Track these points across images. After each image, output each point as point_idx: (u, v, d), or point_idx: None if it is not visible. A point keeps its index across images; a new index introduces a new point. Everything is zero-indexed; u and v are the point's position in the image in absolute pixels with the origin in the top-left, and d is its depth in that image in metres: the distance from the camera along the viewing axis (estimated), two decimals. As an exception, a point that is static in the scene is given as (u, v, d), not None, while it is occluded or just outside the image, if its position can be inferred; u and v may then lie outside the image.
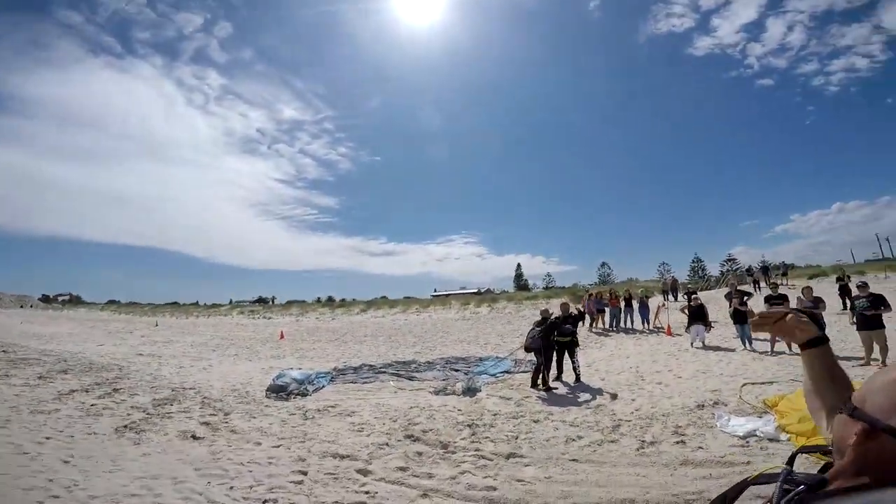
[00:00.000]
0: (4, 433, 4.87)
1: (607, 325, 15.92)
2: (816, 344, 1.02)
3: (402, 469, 4.36)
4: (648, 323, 15.60)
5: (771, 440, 4.38)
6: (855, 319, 7.89)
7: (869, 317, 7.52)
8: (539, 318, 8.60)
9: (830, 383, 0.98)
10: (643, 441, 4.75)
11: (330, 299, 59.47)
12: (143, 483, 3.92)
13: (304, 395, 7.91)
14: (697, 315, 11.16)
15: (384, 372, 10.05)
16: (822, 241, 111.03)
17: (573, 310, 9.32)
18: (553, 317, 8.50)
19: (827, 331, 8.79)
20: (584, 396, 7.11)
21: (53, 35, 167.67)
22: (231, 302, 55.72)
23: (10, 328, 24.08)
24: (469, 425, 5.75)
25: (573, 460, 4.31)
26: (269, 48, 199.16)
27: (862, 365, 7.35)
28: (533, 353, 8.23)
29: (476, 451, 4.79)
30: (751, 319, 1.28)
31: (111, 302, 64.13)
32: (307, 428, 5.88)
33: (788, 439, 4.31)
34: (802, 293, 9.20)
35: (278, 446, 5.14)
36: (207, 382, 9.29)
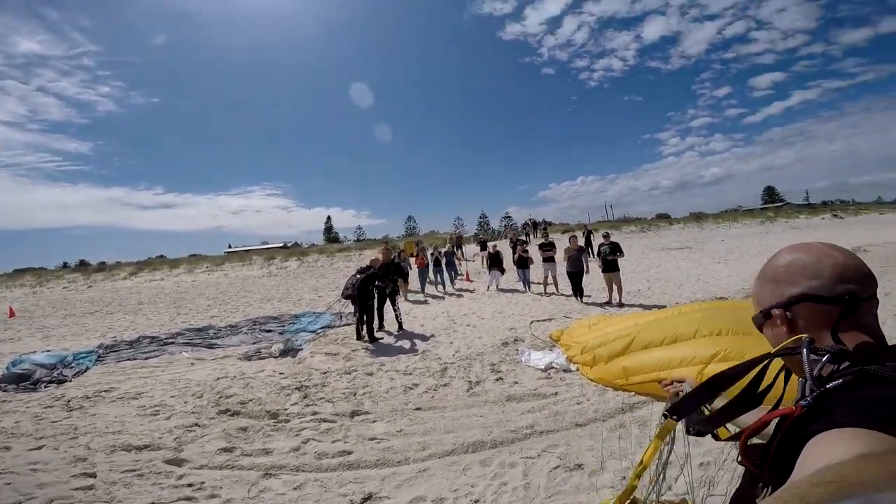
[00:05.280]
0: None
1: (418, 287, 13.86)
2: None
3: (227, 450, 3.79)
4: (454, 281, 14.69)
5: (566, 371, 5.38)
6: (601, 263, 10.06)
7: (610, 260, 9.64)
8: (366, 265, 8.42)
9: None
10: (470, 382, 5.25)
11: (83, 263, 46.66)
12: None
13: (60, 381, 6.15)
14: (495, 261, 12.80)
15: (172, 343, 8.52)
16: (569, 205, 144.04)
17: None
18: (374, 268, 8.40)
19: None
20: (409, 344, 7.45)
21: None
22: (-79, 274, 38.17)
23: None
24: (298, 388, 5.37)
25: (417, 409, 4.48)
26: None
27: (606, 304, 9.66)
28: (351, 302, 8.08)
29: (314, 414, 4.51)
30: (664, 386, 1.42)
31: None
32: (76, 421, 4.67)
33: (577, 369, 5.39)
34: (570, 242, 10.93)
35: (39, 448, 3.96)
36: None
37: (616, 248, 9.79)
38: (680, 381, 1.35)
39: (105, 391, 5.62)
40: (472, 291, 12.79)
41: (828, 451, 0.54)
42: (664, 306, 8.50)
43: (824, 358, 0.70)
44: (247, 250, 45.59)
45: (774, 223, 35.63)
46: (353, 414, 4.45)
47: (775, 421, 0.71)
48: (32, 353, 7.31)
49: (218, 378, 6.00)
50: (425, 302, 11.79)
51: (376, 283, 8.11)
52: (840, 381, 0.65)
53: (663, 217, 52.55)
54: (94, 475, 3.39)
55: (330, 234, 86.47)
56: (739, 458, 0.79)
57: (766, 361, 0.79)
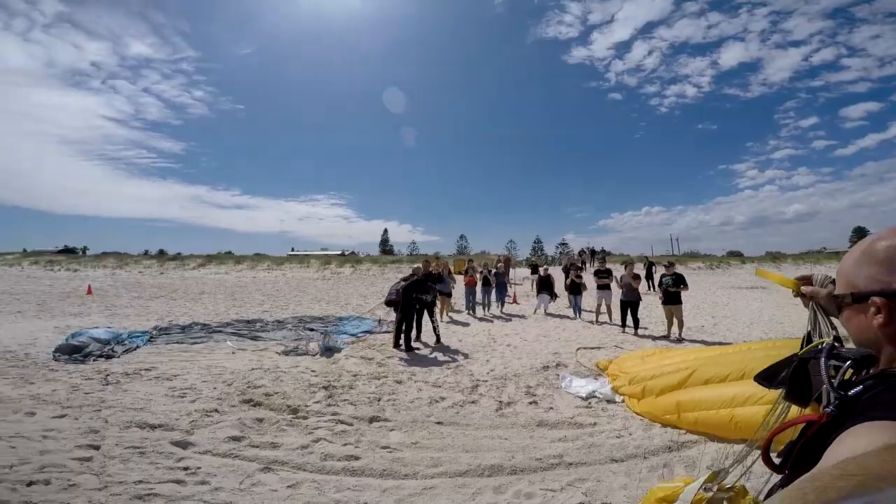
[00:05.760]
0: None
1: (464, 308, 13.07)
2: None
3: (236, 439, 3.72)
4: (502, 305, 13.47)
5: (609, 401, 4.85)
6: (661, 295, 9.31)
7: (672, 292, 8.87)
8: (410, 273, 8.39)
9: None
10: (500, 402, 4.87)
11: (161, 253, 51.54)
12: None
13: (109, 357, 6.49)
14: (545, 284, 12.26)
15: (220, 331, 8.83)
16: (631, 236, 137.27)
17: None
18: (416, 276, 8.35)
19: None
20: (444, 357, 7.17)
21: None
22: (24, 251, 44.46)
23: None
24: (325, 387, 5.27)
25: (438, 423, 4.18)
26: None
27: (663, 338, 8.82)
28: (393, 309, 8.01)
29: (333, 415, 4.36)
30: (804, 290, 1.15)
31: None
32: (107, 395, 4.85)
33: (622, 400, 4.85)
34: (625, 269, 10.43)
35: (62, 416, 4.10)
36: (-32, 344, 7.16)
37: (680, 280, 8.95)
38: (807, 279, 1.12)
39: (145, 370, 5.85)
40: (521, 317, 12.24)
41: (852, 442, 0.53)
42: (730, 344, 7.58)
43: (846, 364, 0.67)
44: (306, 254, 47.73)
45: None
46: (372, 419, 4.24)
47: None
48: (93, 329, 7.87)
49: (252, 369, 6.07)
50: (467, 322, 11.45)
51: (419, 295, 8.00)
52: (860, 387, 0.63)
53: (735, 255, 48.47)
54: (97, 447, 3.43)
55: (385, 247, 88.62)
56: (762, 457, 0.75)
57: (795, 363, 0.78)
